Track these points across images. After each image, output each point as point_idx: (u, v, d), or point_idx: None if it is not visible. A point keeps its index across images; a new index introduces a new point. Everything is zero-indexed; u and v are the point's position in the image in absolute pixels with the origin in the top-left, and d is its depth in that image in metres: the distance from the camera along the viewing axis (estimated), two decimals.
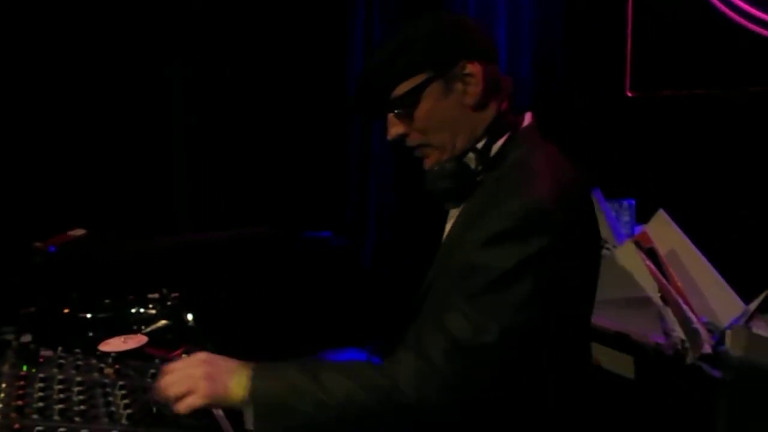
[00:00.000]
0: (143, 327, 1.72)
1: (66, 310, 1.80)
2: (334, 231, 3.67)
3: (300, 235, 3.50)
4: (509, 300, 1.04)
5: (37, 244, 1.87)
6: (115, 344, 1.54)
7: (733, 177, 2.15)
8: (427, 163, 1.22)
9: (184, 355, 1.50)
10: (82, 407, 0.98)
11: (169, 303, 1.89)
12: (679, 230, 1.92)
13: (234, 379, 1.03)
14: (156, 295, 1.92)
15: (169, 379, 1.02)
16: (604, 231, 2.20)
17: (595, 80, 2.64)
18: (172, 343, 1.69)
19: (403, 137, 1.21)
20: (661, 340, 1.73)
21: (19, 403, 0.94)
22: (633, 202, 2.30)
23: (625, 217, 2.32)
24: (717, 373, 1.66)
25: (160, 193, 3.79)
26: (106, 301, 1.88)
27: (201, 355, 1.07)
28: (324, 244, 3.55)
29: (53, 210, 3.02)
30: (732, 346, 1.65)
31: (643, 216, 2.30)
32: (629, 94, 2.53)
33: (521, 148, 1.20)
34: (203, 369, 1.03)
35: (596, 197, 2.22)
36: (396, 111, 1.20)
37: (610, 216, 2.21)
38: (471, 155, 1.20)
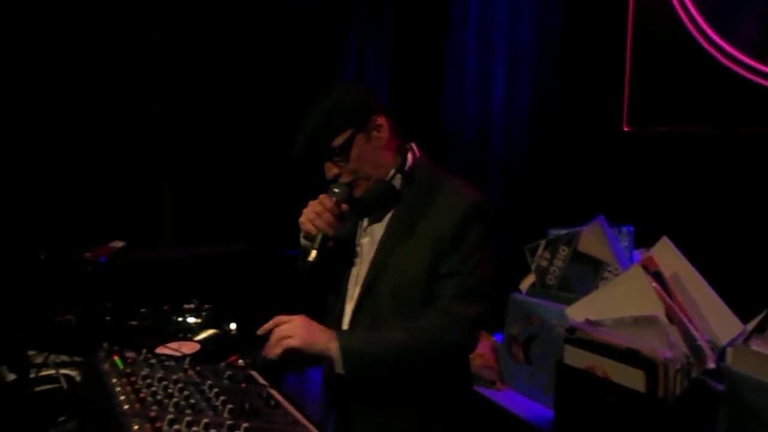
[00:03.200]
0: (189, 335, 1.81)
1: (108, 318, 1.87)
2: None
3: (281, 253, 3.59)
4: (483, 257, 1.58)
5: (87, 254, 1.95)
6: (173, 350, 1.63)
7: (726, 207, 2.35)
8: (357, 192, 1.67)
9: (240, 361, 1.60)
10: (191, 401, 1.07)
11: (204, 313, 1.98)
12: (681, 255, 2.09)
13: (325, 334, 1.49)
14: (191, 306, 2.01)
15: (278, 323, 1.49)
16: (608, 255, 2.37)
17: (592, 115, 2.84)
18: (216, 351, 1.78)
19: (338, 176, 1.66)
20: (668, 355, 1.87)
21: (141, 395, 1.03)
22: (632, 228, 2.48)
23: (624, 242, 2.49)
24: (719, 387, 1.82)
25: (142, 206, 3.84)
26: (143, 310, 1.96)
27: (300, 317, 1.52)
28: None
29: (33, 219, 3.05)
30: (732, 362, 1.81)
31: (639, 242, 2.48)
32: (626, 129, 2.73)
33: (430, 168, 1.71)
34: (304, 322, 1.50)
35: (601, 223, 2.39)
36: (332, 158, 1.64)
37: (613, 241, 2.38)
38: (398, 176, 1.67)
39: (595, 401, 2.01)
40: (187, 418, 0.99)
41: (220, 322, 1.87)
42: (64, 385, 1.58)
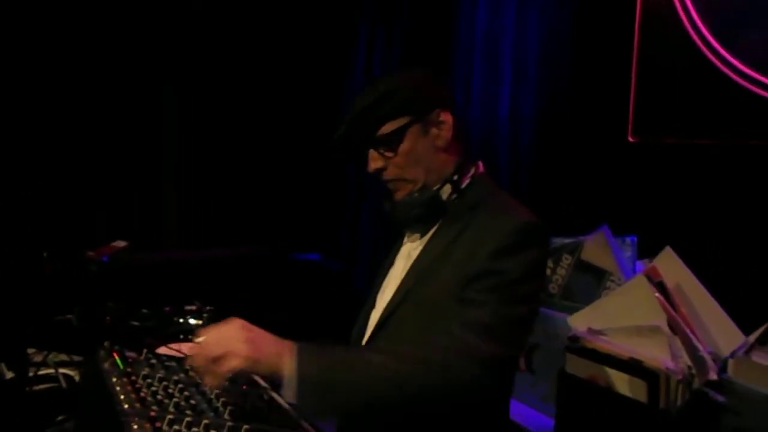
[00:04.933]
0: (190, 336, 1.80)
1: (108, 318, 1.87)
2: (328, 254, 3.76)
3: (288, 257, 3.59)
4: (524, 295, 1.26)
5: (90, 253, 1.95)
6: (174, 350, 1.62)
7: (730, 218, 2.34)
8: (398, 195, 1.42)
9: None
10: (192, 402, 1.06)
11: (205, 315, 1.97)
12: (684, 266, 2.09)
13: (276, 348, 1.08)
14: (193, 307, 2.00)
15: (209, 340, 1.06)
16: (611, 265, 2.37)
17: (598, 124, 2.84)
18: None
19: (380, 171, 1.40)
20: (670, 366, 1.87)
21: (142, 395, 1.03)
22: (635, 238, 2.47)
23: (627, 253, 2.48)
24: (721, 398, 1.81)
25: (149, 208, 3.85)
26: (144, 310, 1.96)
27: (239, 321, 1.11)
28: (313, 266, 3.64)
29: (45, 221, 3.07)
30: (734, 374, 1.80)
31: (642, 252, 2.48)
32: (631, 139, 2.72)
33: (486, 186, 1.44)
34: (243, 333, 1.08)
35: (605, 233, 2.39)
36: (379, 147, 1.38)
37: (617, 251, 2.37)
38: (447, 186, 1.40)
39: (596, 411, 2.00)
40: (188, 419, 0.98)
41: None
42: (63, 384, 1.57)
